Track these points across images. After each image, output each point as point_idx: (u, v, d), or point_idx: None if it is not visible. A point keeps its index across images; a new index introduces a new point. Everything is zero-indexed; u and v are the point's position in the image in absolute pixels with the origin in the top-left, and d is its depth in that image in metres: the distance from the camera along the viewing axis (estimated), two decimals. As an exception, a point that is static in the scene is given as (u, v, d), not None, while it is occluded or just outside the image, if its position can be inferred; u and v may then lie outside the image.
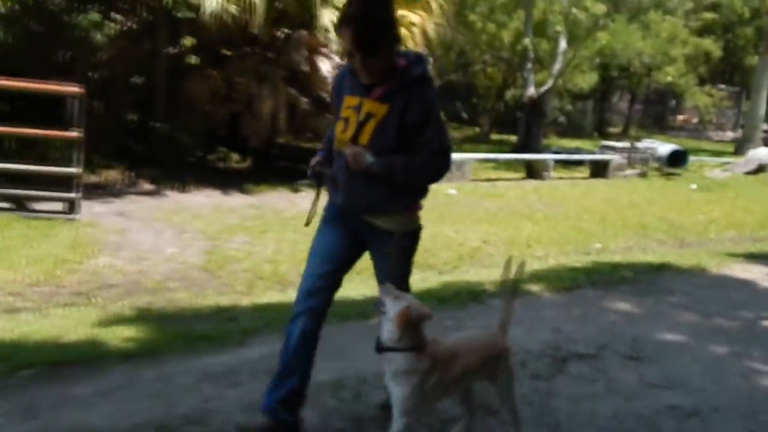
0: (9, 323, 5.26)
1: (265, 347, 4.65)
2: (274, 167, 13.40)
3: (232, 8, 11.02)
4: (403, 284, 3.16)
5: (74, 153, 8.65)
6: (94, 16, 10.09)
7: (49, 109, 9.19)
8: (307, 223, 3.42)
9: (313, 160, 3.29)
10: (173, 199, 10.79)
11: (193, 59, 11.24)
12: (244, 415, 3.51)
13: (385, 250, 3.13)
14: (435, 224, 10.16)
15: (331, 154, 3.24)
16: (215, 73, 12.18)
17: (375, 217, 3.12)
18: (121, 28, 10.70)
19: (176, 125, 12.01)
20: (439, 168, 3.06)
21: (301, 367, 3.25)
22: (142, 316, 5.52)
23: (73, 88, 8.65)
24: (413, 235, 3.22)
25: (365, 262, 3.33)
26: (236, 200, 11.09)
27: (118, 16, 10.70)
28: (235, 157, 13.57)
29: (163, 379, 4.09)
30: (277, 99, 12.19)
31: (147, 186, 11.27)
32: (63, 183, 8.81)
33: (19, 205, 8.67)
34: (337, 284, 3.29)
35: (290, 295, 6.46)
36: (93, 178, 10.63)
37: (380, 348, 2.83)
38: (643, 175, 18.47)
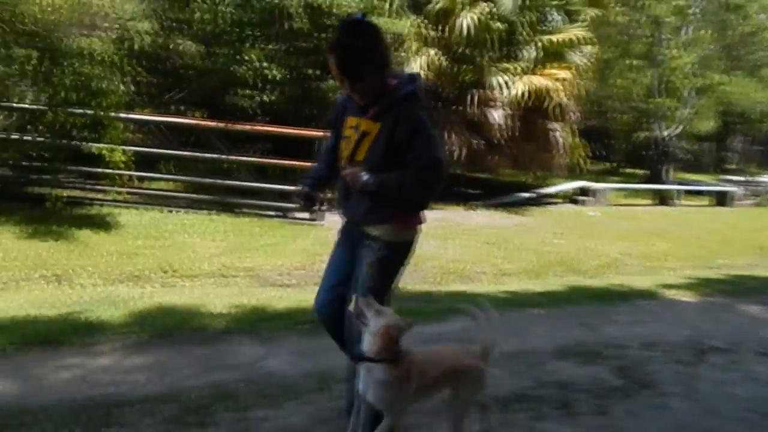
0: (281, 293, 5.78)
1: (464, 322, 4.79)
2: (452, 191, 13.57)
3: (430, 74, 11.40)
4: (376, 296, 2.53)
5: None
6: (334, 82, 10.78)
7: (301, 147, 9.88)
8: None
9: (302, 189, 2.85)
10: (382, 212, 11.24)
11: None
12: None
13: (363, 251, 2.60)
14: (581, 239, 9.87)
15: (319, 180, 2.85)
16: (412, 121, 12.60)
17: (367, 227, 2.60)
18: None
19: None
20: (430, 182, 2.49)
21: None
22: (369, 295, 5.86)
23: (319, 133, 9.27)
24: (397, 247, 2.60)
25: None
26: (425, 214, 11.34)
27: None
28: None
29: (392, 339, 4.37)
30: (457, 140, 12.39)
31: (362, 202, 11.82)
32: (311, 199, 9.45)
33: (284, 214, 9.41)
34: (345, 297, 2.70)
35: (473, 287, 6.66)
36: (328, 196, 11.32)
37: (359, 358, 2.40)
38: (759, 204, 16.72)
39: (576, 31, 13.31)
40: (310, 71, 10.24)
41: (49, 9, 6.49)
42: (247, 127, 9.53)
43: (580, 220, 12.21)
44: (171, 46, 9.87)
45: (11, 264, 5.89)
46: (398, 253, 2.62)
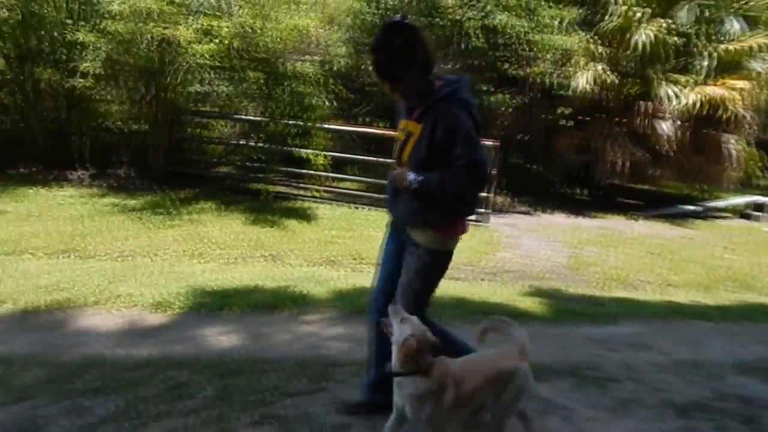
0: (453, 284, 5.81)
1: (632, 327, 4.53)
2: (613, 201, 12.72)
3: (596, 88, 10.80)
4: (415, 301, 2.44)
5: (488, 184, 9.26)
6: (505, 96, 10.64)
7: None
8: None
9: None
10: (542, 218, 10.89)
11: (565, 123, 11.28)
12: (622, 371, 3.50)
13: (408, 258, 2.44)
14: (755, 256, 8.71)
15: None
16: (575, 132, 12.04)
17: (410, 229, 2.45)
18: (515, 103, 11.10)
19: (546, 167, 12.12)
20: (470, 182, 2.29)
21: (385, 356, 2.57)
22: (534, 293, 5.69)
23: (490, 142, 9.25)
24: (439, 255, 2.43)
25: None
26: (586, 222, 10.79)
27: (513, 95, 11.15)
28: (585, 191, 13.19)
29: (560, 336, 4.20)
30: (620, 151, 11.59)
31: (522, 208, 11.51)
32: (476, 202, 9.46)
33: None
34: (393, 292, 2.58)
35: (637, 295, 6.22)
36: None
37: (391, 374, 2.18)
38: None
39: (757, 39, 11.71)
40: (484, 87, 10.23)
41: (277, 40, 7.33)
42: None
43: (754, 236, 10.75)
44: (362, 67, 10.49)
45: (239, 244, 6.70)
46: (440, 260, 2.46)
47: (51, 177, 8.63)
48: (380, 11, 10.13)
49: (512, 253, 7.74)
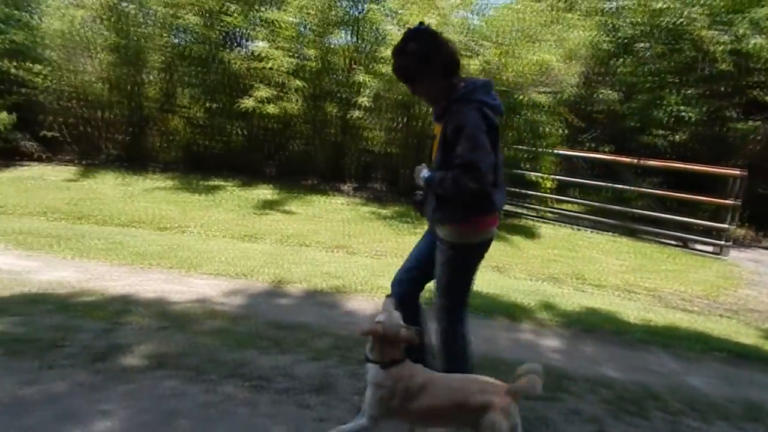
0: (686, 317, 5.16)
1: None
2: None
3: None
4: (447, 295, 2.30)
5: (728, 215, 7.85)
6: (755, 123, 8.91)
7: (708, 182, 8.51)
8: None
9: (418, 193, 2.48)
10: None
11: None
12: None
13: (437, 253, 2.30)
14: None
15: None
16: None
17: (435, 225, 2.33)
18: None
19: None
20: (464, 182, 2.05)
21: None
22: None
23: (736, 171, 7.85)
24: (461, 248, 2.24)
25: None
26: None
27: (766, 121, 9.22)
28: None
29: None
30: None
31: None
32: (710, 233, 8.12)
33: (685, 244, 8.36)
34: (419, 280, 2.51)
35: None
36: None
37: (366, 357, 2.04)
38: None
39: None
40: (727, 113, 8.74)
41: (519, 74, 7.39)
42: (659, 163, 8.73)
43: None
44: (593, 95, 9.87)
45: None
46: (462, 253, 2.28)
47: (328, 188, 10.06)
48: (617, 40, 9.42)
49: (758, 292, 6.45)
